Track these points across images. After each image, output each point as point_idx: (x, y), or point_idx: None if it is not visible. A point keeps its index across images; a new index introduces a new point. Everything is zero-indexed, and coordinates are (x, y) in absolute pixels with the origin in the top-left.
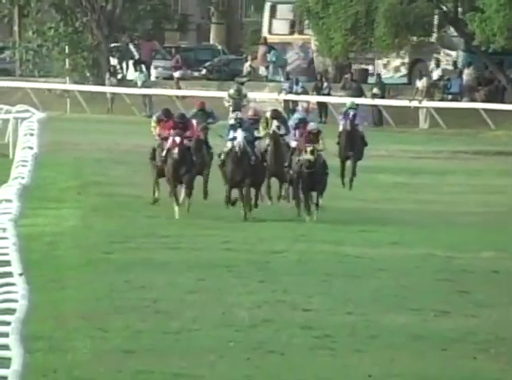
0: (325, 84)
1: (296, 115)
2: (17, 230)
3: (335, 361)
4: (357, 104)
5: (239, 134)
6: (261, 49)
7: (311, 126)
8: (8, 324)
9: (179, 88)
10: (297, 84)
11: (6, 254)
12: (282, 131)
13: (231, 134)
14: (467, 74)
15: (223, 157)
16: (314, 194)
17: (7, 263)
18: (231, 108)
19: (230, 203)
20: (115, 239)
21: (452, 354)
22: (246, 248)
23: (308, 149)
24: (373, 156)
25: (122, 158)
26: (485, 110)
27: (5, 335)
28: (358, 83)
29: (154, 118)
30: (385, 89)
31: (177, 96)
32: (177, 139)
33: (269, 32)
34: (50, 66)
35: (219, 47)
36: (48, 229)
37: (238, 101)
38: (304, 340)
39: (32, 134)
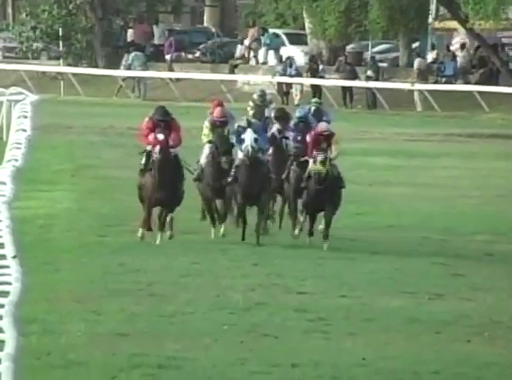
0: (320, 66)
1: (297, 113)
2: (11, 213)
3: (329, 344)
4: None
5: (248, 136)
6: (252, 31)
7: (322, 126)
8: (1, 306)
9: (172, 70)
10: (291, 66)
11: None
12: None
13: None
14: (461, 56)
15: (233, 172)
16: (323, 215)
17: (0, 245)
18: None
19: (243, 236)
20: (109, 222)
21: (446, 337)
22: (240, 230)
23: (319, 158)
24: (368, 139)
25: (116, 141)
26: (479, 93)
27: None
28: (352, 66)
29: (146, 119)
30: (379, 72)
31: (171, 79)
32: (160, 137)
33: None
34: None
35: (213, 30)
36: (42, 211)
37: (263, 109)
38: (298, 323)
39: (25, 117)
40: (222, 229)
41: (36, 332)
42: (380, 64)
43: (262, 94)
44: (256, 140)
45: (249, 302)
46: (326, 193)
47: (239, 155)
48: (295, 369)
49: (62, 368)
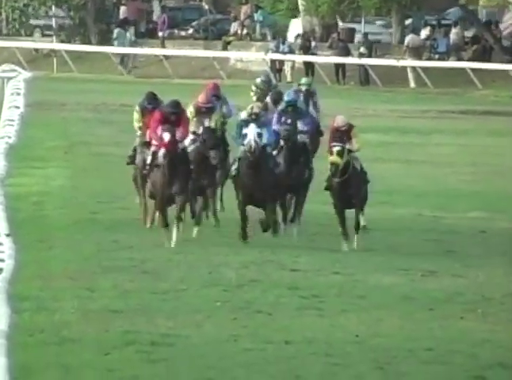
0: (313, 43)
1: (286, 97)
2: (4, 190)
3: (322, 321)
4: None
5: (251, 131)
6: (244, 8)
7: (339, 121)
8: None
9: (164, 47)
10: (283, 43)
11: None
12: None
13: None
14: (454, 33)
15: (235, 166)
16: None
17: None
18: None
19: (245, 237)
20: (102, 199)
21: (439, 314)
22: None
23: (335, 149)
24: (360, 115)
25: (109, 118)
26: (472, 69)
27: None
28: (345, 42)
29: (136, 107)
30: (372, 49)
31: (164, 56)
32: (166, 137)
33: None
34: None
35: (206, 7)
36: (35, 188)
37: (267, 93)
38: (291, 300)
39: (18, 94)
40: (195, 231)
41: (30, 309)
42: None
43: (267, 79)
44: (260, 135)
45: (242, 279)
46: (349, 188)
47: (241, 149)
48: (288, 346)
49: (55, 345)
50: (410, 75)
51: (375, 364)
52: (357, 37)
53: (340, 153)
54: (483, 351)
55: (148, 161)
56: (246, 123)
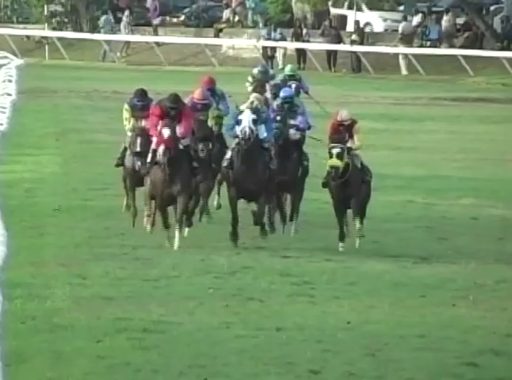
0: (304, 31)
1: (282, 93)
2: None
3: (314, 308)
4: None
5: (246, 117)
6: None
7: (343, 115)
8: None
9: (157, 34)
10: (275, 31)
11: None
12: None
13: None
14: (445, 20)
15: (228, 156)
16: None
17: None
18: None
19: (235, 236)
20: (94, 186)
21: (431, 301)
22: (225, 194)
23: (334, 151)
24: (352, 102)
25: (101, 105)
26: (464, 56)
27: None
28: (337, 30)
29: (125, 105)
30: (364, 36)
31: (157, 43)
32: (166, 133)
33: None
34: (28, 12)
35: None
36: (27, 175)
37: (264, 84)
38: (283, 286)
39: (10, 81)
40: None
41: (21, 296)
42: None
43: (264, 69)
44: (255, 121)
45: (234, 266)
46: (349, 188)
47: (235, 140)
48: (280, 332)
49: (47, 332)
50: (402, 62)
51: (366, 351)
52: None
53: (340, 156)
54: (474, 337)
55: (148, 158)
56: (241, 112)
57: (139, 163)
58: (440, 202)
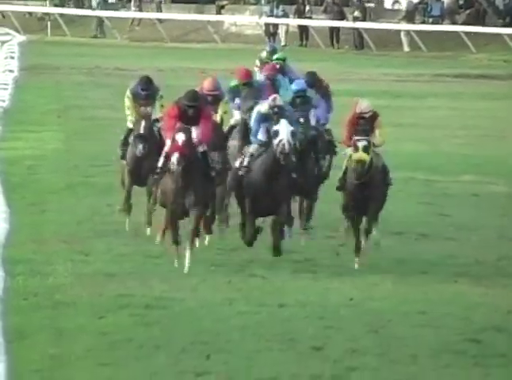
0: (307, 7)
1: (294, 86)
2: None
3: (316, 284)
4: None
5: (284, 128)
6: None
7: (363, 106)
8: None
9: (160, 11)
10: (278, 7)
11: None
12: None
13: (264, 130)
14: None
15: (245, 163)
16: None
17: None
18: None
19: (251, 240)
20: (96, 162)
21: (433, 277)
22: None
23: (361, 144)
24: (354, 79)
25: (103, 81)
26: (466, 33)
27: None
28: (340, 6)
29: (128, 92)
30: (366, 12)
31: (159, 20)
32: (180, 139)
33: None
34: None
35: None
36: (29, 152)
37: (283, 64)
38: (286, 263)
39: (12, 58)
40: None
41: (23, 272)
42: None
43: (272, 49)
44: (294, 134)
45: (236, 243)
46: (368, 191)
47: (253, 146)
48: (282, 309)
49: (49, 309)
50: (404, 39)
51: (368, 327)
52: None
53: (366, 150)
54: (476, 314)
55: (160, 163)
56: (265, 117)
57: (140, 146)
58: (441, 178)
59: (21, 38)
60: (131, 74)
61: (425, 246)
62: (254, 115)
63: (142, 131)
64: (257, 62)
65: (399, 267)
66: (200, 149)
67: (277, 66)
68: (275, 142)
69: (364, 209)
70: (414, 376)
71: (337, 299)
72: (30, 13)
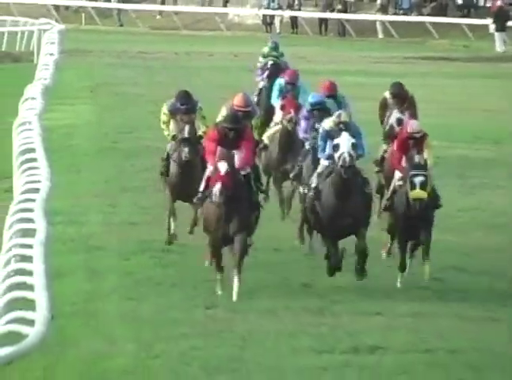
0: (296, 1)
1: (310, 99)
2: (41, 123)
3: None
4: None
5: (344, 141)
6: None
7: (414, 126)
8: (33, 200)
9: (176, 3)
10: (273, 1)
11: (32, 142)
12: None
13: (331, 146)
14: None
15: (314, 184)
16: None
17: (32, 150)
18: (263, 75)
19: (338, 265)
20: (122, 130)
21: None
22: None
23: (417, 180)
24: (338, 61)
25: (129, 63)
26: (431, 23)
27: (31, 210)
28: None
29: (164, 108)
30: (347, 5)
31: (175, 12)
32: (222, 168)
33: None
34: None
35: None
36: (66, 122)
37: (280, 67)
38: (279, 213)
39: (53, 43)
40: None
41: (62, 222)
42: None
43: (274, 45)
44: (354, 146)
45: None
46: (420, 216)
47: (323, 163)
48: (277, 252)
49: (83, 252)
50: (379, 28)
51: (351, 266)
52: None
53: (424, 185)
54: (440, 256)
55: (201, 187)
56: (330, 134)
57: (186, 150)
58: None
59: (60, 27)
60: (152, 57)
61: None
62: (320, 132)
63: (187, 135)
64: (260, 59)
65: None
66: (243, 172)
67: (298, 72)
68: (336, 155)
69: (413, 235)
70: (387, 307)
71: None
72: (67, 7)
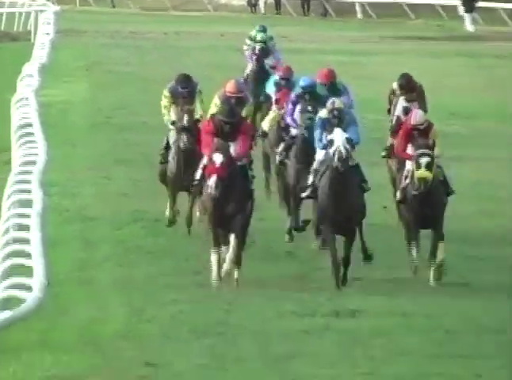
0: None
1: (301, 82)
2: (38, 100)
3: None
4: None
5: (338, 136)
6: None
7: (418, 117)
8: (30, 173)
9: None
10: None
11: (29, 118)
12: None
13: (324, 138)
14: None
15: (310, 181)
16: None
17: (30, 125)
18: (252, 58)
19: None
20: (115, 106)
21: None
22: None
23: (423, 161)
24: (320, 40)
25: (121, 42)
26: (407, 4)
27: (28, 182)
28: None
29: (165, 91)
30: None
31: None
32: (218, 160)
33: None
34: None
35: None
36: (62, 98)
37: (264, 46)
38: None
39: (48, 23)
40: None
41: (58, 193)
42: None
43: (262, 29)
44: (350, 141)
45: None
46: (430, 204)
47: (319, 156)
48: (262, 221)
49: (78, 222)
50: (358, 9)
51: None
52: None
53: (430, 166)
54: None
55: (197, 175)
56: (326, 123)
57: (185, 138)
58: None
59: (56, 8)
60: (142, 37)
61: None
62: (316, 121)
63: (186, 124)
64: (248, 41)
65: None
66: (239, 163)
67: (292, 69)
68: (331, 151)
69: (424, 224)
70: (366, 273)
71: (306, 215)
72: None
